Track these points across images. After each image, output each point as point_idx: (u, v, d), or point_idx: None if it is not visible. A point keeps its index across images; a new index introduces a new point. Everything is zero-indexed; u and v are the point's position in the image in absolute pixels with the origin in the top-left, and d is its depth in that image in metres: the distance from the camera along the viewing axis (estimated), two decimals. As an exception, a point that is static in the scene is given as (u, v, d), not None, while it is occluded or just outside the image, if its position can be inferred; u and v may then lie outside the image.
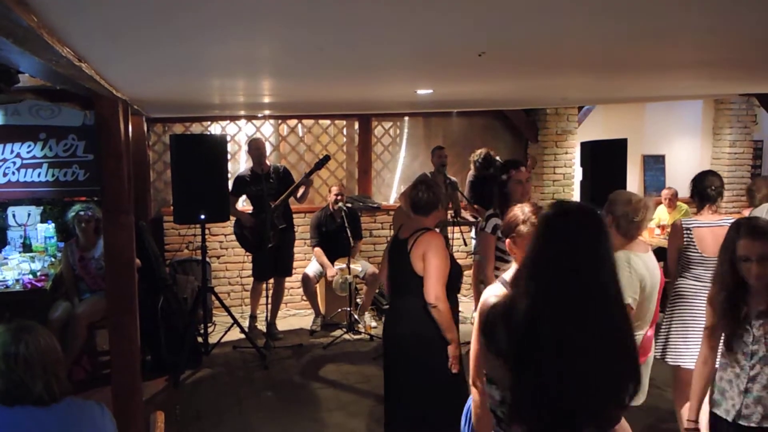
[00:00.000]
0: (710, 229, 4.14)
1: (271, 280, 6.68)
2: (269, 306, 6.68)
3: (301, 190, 6.56)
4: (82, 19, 1.73)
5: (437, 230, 3.91)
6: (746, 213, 5.44)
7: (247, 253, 6.93)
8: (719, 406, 2.85)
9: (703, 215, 4.31)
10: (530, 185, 4.87)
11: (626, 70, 3.58)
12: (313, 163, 7.06)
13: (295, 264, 7.45)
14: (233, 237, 6.82)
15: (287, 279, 7.08)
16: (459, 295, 4.08)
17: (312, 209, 7.47)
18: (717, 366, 2.93)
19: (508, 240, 2.69)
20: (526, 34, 2.20)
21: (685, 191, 8.02)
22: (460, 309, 4.20)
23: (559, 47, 2.56)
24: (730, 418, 2.78)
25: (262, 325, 6.89)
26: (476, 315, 2.64)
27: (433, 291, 3.55)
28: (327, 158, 6.61)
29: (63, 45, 1.96)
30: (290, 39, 2.18)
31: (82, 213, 5.46)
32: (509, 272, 2.61)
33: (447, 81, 4.03)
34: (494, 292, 2.53)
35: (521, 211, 2.69)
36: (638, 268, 3.28)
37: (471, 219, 7.14)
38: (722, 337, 2.88)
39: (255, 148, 6.61)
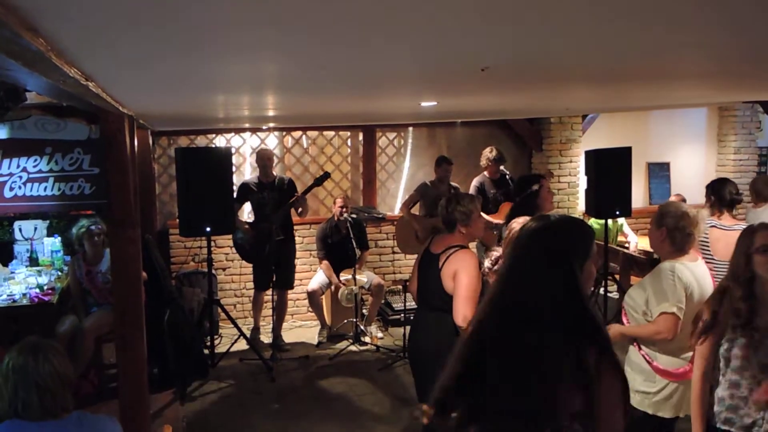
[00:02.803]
0: (724, 232, 4.19)
1: (274, 293, 6.69)
2: (274, 318, 6.70)
3: (299, 208, 6.58)
4: (90, 44, 1.75)
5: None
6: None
7: (245, 263, 6.96)
8: (733, 423, 2.82)
9: (723, 219, 4.42)
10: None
11: (630, 81, 3.59)
12: (317, 174, 7.09)
13: (299, 276, 7.46)
14: (239, 248, 6.84)
15: (292, 290, 7.09)
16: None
17: (317, 220, 7.48)
18: (722, 382, 2.88)
19: None
20: (529, 50, 2.21)
21: (690, 198, 8.05)
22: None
23: (562, 61, 2.57)
24: None
25: (267, 338, 6.90)
26: None
27: (462, 312, 3.44)
28: (326, 176, 6.61)
29: (71, 66, 1.99)
30: (293, 58, 2.20)
31: (93, 228, 5.47)
32: None
33: (451, 94, 4.05)
34: None
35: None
36: (684, 276, 3.20)
37: None
38: (728, 353, 2.84)
39: (261, 158, 6.65)
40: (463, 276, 3.49)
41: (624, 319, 3.39)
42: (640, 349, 3.28)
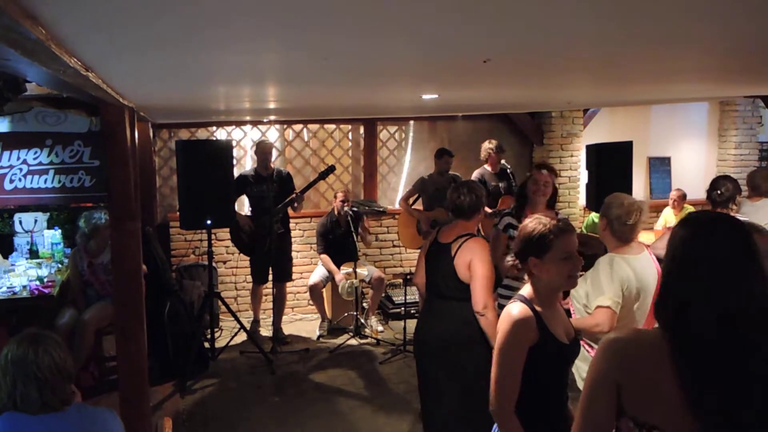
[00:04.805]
0: None
1: (273, 286, 6.68)
2: (274, 311, 6.69)
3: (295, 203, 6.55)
4: (90, 32, 1.74)
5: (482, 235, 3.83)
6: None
7: (243, 255, 6.94)
8: None
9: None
10: (548, 189, 4.61)
11: (632, 75, 3.57)
12: (318, 168, 7.07)
13: (300, 269, 7.47)
14: (239, 242, 6.83)
15: (292, 283, 7.08)
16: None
17: (318, 214, 7.48)
18: None
19: (533, 259, 2.41)
20: (531, 42, 2.20)
21: (691, 193, 8.04)
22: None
23: (564, 54, 2.56)
24: None
25: (267, 330, 6.90)
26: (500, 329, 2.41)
27: (482, 299, 3.49)
28: (331, 169, 6.55)
29: (70, 56, 1.97)
30: (295, 50, 2.19)
31: (102, 221, 5.46)
32: (525, 289, 2.47)
33: (452, 86, 4.03)
34: (517, 310, 2.38)
35: (539, 222, 2.45)
36: (621, 270, 3.21)
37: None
38: None
39: (262, 150, 6.63)
40: (478, 265, 3.53)
41: (571, 309, 3.40)
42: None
